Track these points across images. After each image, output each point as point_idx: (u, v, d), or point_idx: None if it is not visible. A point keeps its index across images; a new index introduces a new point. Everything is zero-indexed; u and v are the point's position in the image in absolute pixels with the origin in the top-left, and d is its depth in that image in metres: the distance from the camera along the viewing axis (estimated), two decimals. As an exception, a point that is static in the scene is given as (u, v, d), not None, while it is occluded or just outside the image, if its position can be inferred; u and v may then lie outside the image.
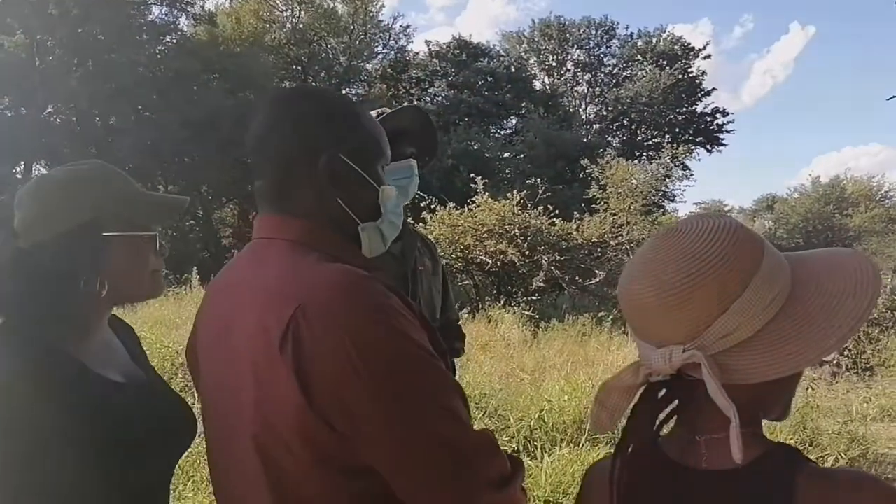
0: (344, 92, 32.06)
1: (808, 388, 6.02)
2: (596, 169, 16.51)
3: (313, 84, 29.91)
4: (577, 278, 13.35)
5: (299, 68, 31.16)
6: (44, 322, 1.23)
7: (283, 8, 31.44)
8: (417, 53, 37.13)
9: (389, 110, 2.18)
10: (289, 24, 31.02)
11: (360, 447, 0.93)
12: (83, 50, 20.48)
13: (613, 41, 42.31)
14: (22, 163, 21.48)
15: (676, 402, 0.92)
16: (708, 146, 40.91)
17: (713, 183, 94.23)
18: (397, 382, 0.93)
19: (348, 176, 1.10)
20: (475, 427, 1.00)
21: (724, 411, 0.79)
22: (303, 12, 31.33)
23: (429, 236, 12.56)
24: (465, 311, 11.46)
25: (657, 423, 0.92)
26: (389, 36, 35.19)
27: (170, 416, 1.34)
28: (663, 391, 0.92)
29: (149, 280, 1.37)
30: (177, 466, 1.47)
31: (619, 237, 14.33)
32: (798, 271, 0.89)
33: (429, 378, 0.97)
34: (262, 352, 0.96)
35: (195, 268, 12.25)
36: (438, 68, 36.30)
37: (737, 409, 0.79)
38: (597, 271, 13.08)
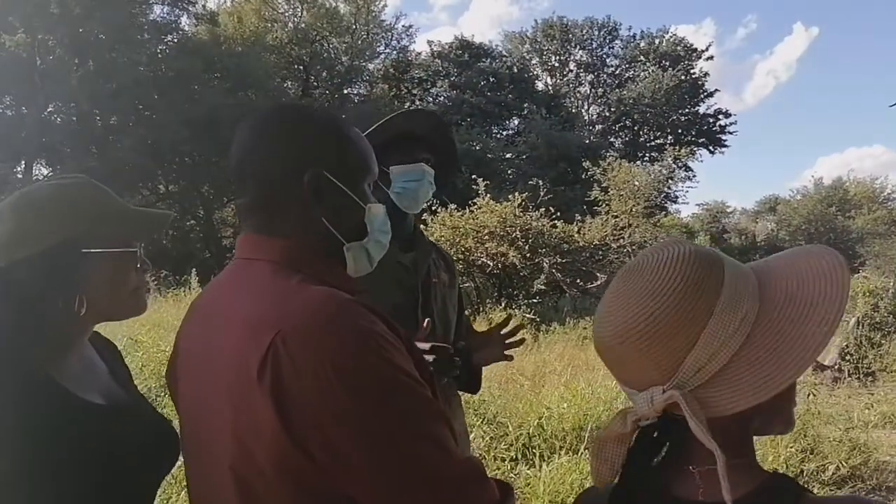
0: (346, 92, 32.09)
1: (809, 395, 5.97)
2: (598, 171, 16.47)
3: (314, 91, 29.89)
4: (578, 281, 13.34)
5: (301, 68, 31.16)
6: (21, 342, 1.19)
7: (285, 7, 31.43)
8: (420, 53, 37.23)
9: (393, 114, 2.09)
10: (291, 24, 31.01)
11: (341, 477, 0.90)
12: (84, 49, 20.47)
13: (616, 42, 42.33)
14: (23, 162, 21.49)
15: (668, 443, 0.89)
16: (710, 147, 40.88)
17: (715, 184, 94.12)
18: (380, 410, 0.90)
19: (333, 194, 1.08)
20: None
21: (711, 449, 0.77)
22: (305, 12, 31.32)
23: (436, 242, 12.52)
24: (465, 313, 11.42)
25: (654, 464, 0.89)
26: (392, 36, 35.23)
27: (152, 439, 1.30)
28: (655, 433, 0.89)
29: (130, 298, 1.33)
30: (170, 476, 1.44)
31: (621, 240, 14.31)
32: (765, 281, 0.86)
33: (413, 405, 0.94)
34: (240, 379, 0.93)
35: (194, 269, 12.21)
36: (441, 68, 36.31)
37: (729, 439, 0.78)
38: (598, 274, 13.07)
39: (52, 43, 20.17)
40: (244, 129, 1.13)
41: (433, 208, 12.93)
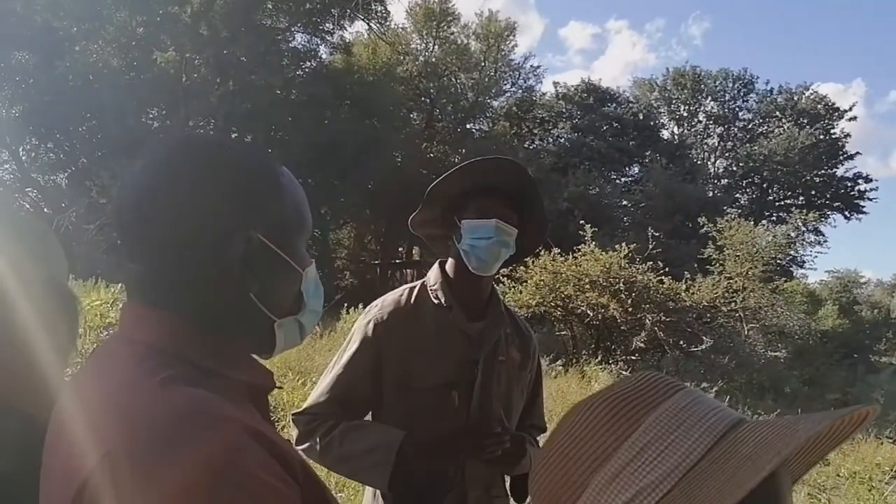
0: (468, 127, 32.47)
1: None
2: (713, 228, 15.62)
3: (437, 124, 30.44)
4: (682, 342, 12.66)
5: (427, 101, 31.87)
6: None
7: (418, 42, 32.36)
8: (545, 94, 37.24)
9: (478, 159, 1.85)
10: (422, 58, 31.85)
11: None
12: (226, 70, 21.79)
13: (751, 95, 40.78)
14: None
15: None
16: (846, 212, 38.31)
17: (849, 251, 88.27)
18: None
19: (266, 261, 0.85)
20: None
21: None
22: (437, 47, 32.11)
23: (537, 285, 12.04)
24: (559, 362, 11.13)
25: None
26: (519, 75, 35.45)
27: None
28: None
29: None
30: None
31: (733, 303, 13.53)
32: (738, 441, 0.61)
33: None
34: None
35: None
36: (564, 110, 36.17)
37: None
38: (704, 337, 12.34)
39: (198, 62, 21.59)
40: (144, 173, 0.83)
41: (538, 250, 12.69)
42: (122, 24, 19.60)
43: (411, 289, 1.92)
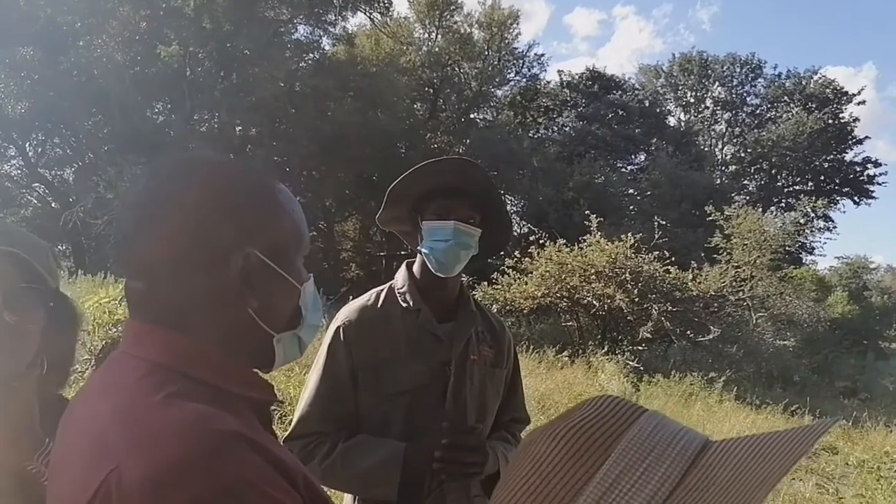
0: (472, 116, 32.32)
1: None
2: (721, 217, 15.51)
3: (441, 114, 30.35)
4: (688, 332, 12.61)
5: (431, 91, 31.73)
6: None
7: (421, 31, 32.19)
8: (549, 82, 37.01)
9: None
10: (425, 48, 31.68)
11: None
12: (229, 63, 21.71)
13: (759, 80, 40.49)
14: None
15: None
16: (855, 197, 38.06)
17: (859, 237, 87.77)
18: None
19: (264, 278, 0.86)
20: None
21: None
22: (439, 36, 31.93)
23: (543, 276, 12.03)
24: (565, 353, 11.12)
25: None
26: (523, 63, 35.23)
27: None
28: None
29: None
30: None
31: (741, 292, 13.46)
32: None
33: None
34: None
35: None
36: (569, 98, 35.95)
37: None
38: (712, 327, 12.28)
39: (201, 56, 21.48)
40: (145, 192, 0.85)
41: (541, 241, 12.66)
42: (125, 18, 19.53)
43: (379, 292, 1.90)
